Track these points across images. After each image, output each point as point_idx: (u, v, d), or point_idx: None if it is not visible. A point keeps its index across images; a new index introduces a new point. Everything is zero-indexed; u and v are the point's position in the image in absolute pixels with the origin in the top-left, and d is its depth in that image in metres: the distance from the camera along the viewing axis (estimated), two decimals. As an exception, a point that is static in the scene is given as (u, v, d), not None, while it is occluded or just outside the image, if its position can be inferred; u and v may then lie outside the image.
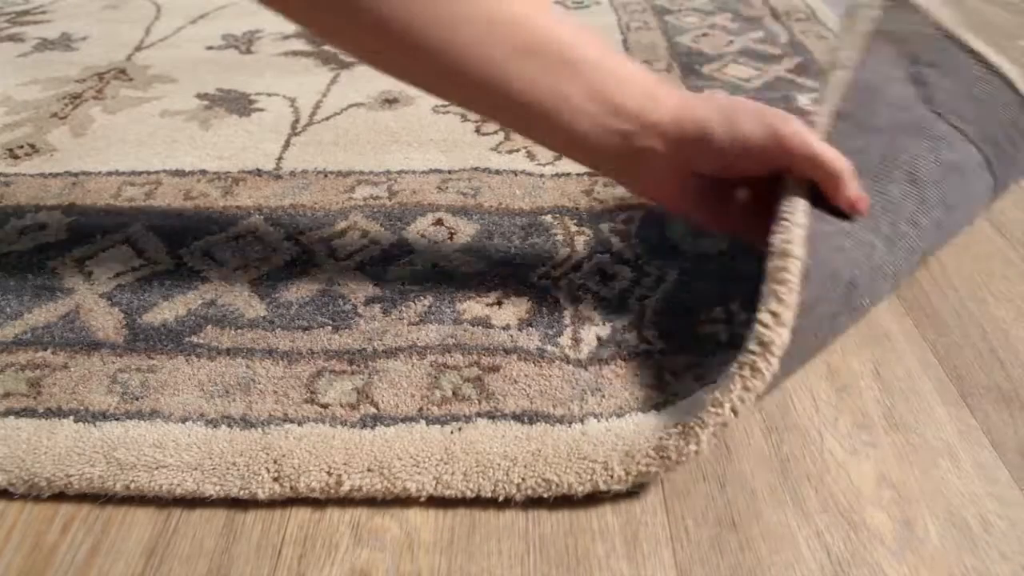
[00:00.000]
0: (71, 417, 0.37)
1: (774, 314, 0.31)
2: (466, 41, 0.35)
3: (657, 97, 0.37)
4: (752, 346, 0.31)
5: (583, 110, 0.37)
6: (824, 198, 0.36)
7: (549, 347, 0.41)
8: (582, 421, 0.36)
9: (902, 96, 0.40)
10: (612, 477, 0.33)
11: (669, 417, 0.35)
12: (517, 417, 0.37)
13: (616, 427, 0.36)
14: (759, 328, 0.31)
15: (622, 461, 0.33)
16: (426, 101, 0.69)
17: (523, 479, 0.34)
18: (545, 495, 0.33)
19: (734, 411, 0.31)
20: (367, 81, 0.74)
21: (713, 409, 0.32)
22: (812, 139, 0.35)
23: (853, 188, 0.35)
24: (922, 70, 0.42)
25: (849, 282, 0.34)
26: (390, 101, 0.70)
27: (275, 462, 0.35)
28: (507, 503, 0.34)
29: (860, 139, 0.38)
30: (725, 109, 0.36)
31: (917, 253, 0.37)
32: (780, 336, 0.31)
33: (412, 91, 0.68)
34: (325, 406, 0.38)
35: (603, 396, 0.38)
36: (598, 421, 0.36)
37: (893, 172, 0.37)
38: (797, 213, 0.34)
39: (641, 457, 0.33)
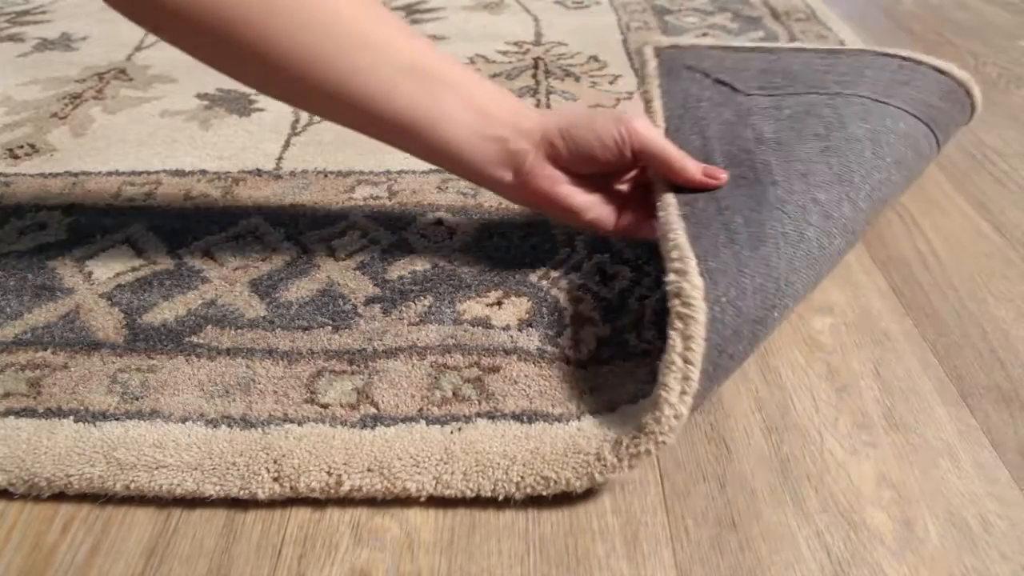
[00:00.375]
0: (71, 417, 0.37)
1: (677, 271, 0.35)
2: (354, 67, 0.38)
3: (522, 107, 0.43)
4: (672, 302, 0.34)
5: (462, 120, 0.40)
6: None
7: (549, 347, 0.41)
8: (579, 418, 0.36)
9: (715, 96, 0.48)
10: (606, 466, 0.33)
11: (649, 399, 0.35)
12: (516, 417, 0.37)
13: (609, 420, 0.36)
14: (669, 288, 0.34)
15: (613, 449, 0.33)
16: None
17: (522, 477, 0.34)
18: (544, 492, 0.33)
19: (687, 361, 0.32)
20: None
21: (667, 369, 0.32)
22: (655, 133, 0.41)
23: (691, 168, 0.41)
24: (719, 76, 0.50)
25: (749, 218, 0.38)
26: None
27: (275, 462, 0.35)
28: (507, 503, 0.34)
29: (698, 139, 0.45)
30: (581, 111, 0.43)
31: (822, 176, 0.41)
32: (691, 283, 0.34)
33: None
34: (325, 406, 0.38)
35: (600, 394, 0.38)
36: (593, 417, 0.37)
37: (745, 143, 0.44)
38: (668, 203, 0.40)
39: (629, 440, 0.33)
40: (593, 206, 0.44)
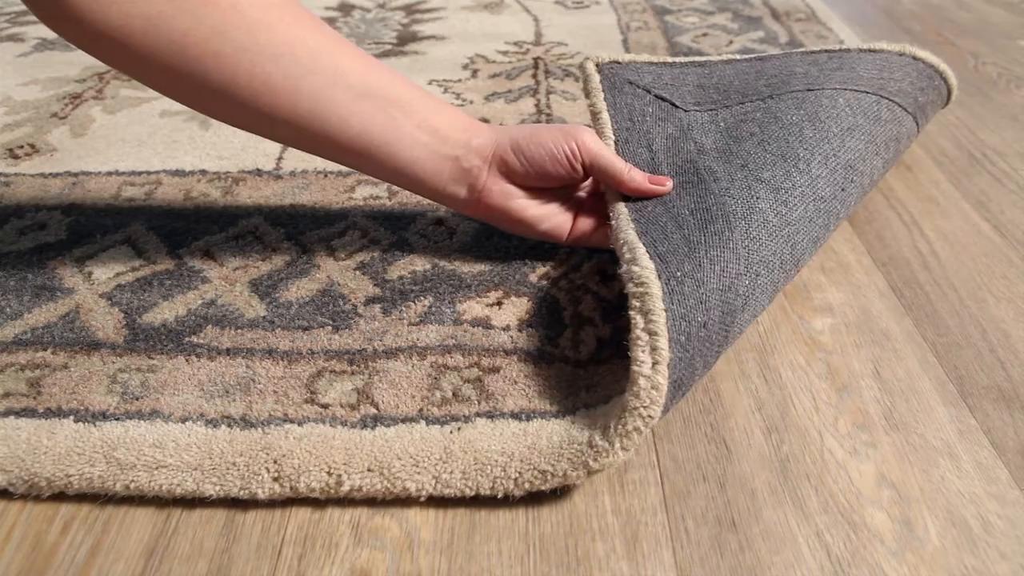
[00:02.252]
0: (71, 417, 0.37)
1: (628, 260, 0.37)
2: (304, 92, 0.39)
3: (473, 125, 0.44)
4: (628, 288, 0.36)
5: (417, 141, 0.42)
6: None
7: (549, 348, 0.41)
8: (574, 412, 0.37)
9: (657, 112, 0.52)
10: (598, 452, 0.33)
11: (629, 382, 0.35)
12: (515, 415, 0.37)
13: (601, 410, 0.36)
14: (623, 277, 0.37)
15: (602, 434, 0.33)
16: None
17: (520, 473, 0.34)
18: (543, 487, 0.33)
19: (652, 333, 0.33)
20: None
21: (635, 345, 0.33)
22: (602, 146, 0.44)
23: (638, 177, 0.43)
24: (660, 92, 0.53)
25: (695, 209, 0.41)
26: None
27: (275, 462, 0.35)
28: (507, 502, 0.34)
29: (646, 152, 0.47)
30: (532, 127, 0.44)
31: (762, 161, 0.44)
32: (640, 266, 0.36)
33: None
34: (325, 406, 0.38)
35: (597, 390, 0.38)
36: (587, 410, 0.37)
37: (688, 154, 0.47)
38: (620, 211, 0.43)
39: (615, 422, 0.33)
40: (547, 218, 0.45)
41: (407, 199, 0.55)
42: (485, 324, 0.43)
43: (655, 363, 0.33)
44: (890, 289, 0.47)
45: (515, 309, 0.44)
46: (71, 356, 0.41)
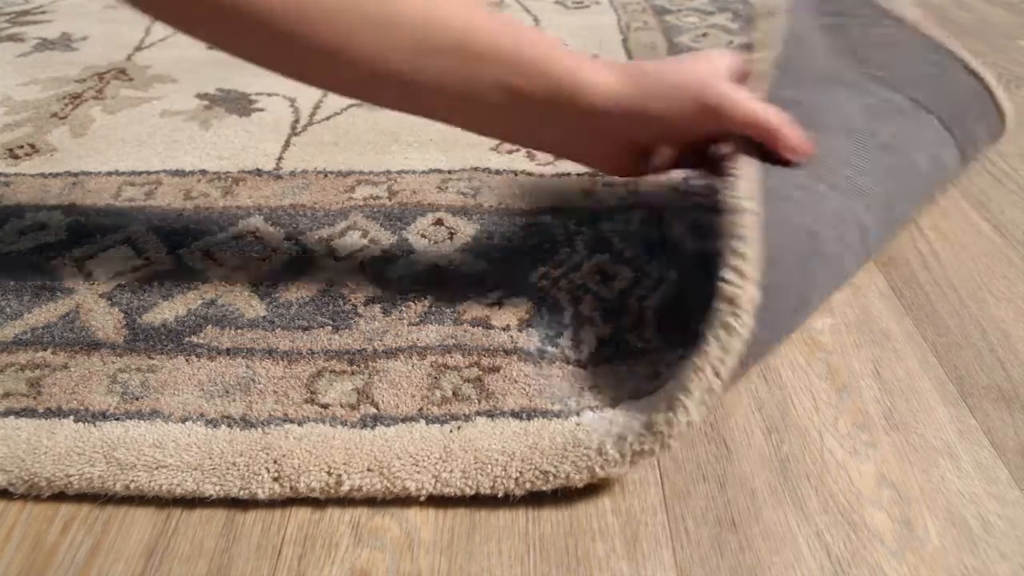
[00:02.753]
0: (71, 417, 0.37)
1: (736, 269, 0.31)
2: (370, 41, 0.36)
3: (591, 77, 0.38)
4: (721, 305, 0.31)
5: (497, 103, 0.38)
6: (765, 152, 0.37)
7: (549, 348, 0.41)
8: (578, 414, 0.36)
9: (821, 46, 0.42)
10: (607, 460, 0.33)
11: (659, 397, 0.35)
12: (516, 415, 0.37)
13: (611, 415, 0.36)
14: (724, 286, 0.31)
15: (616, 444, 0.33)
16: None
17: (521, 473, 0.34)
18: (544, 487, 0.33)
19: (717, 374, 0.31)
20: (367, 81, 0.74)
21: (695, 375, 0.31)
22: (743, 101, 0.36)
23: (793, 136, 0.37)
24: (840, 20, 0.43)
25: (809, 230, 0.35)
26: (390, 101, 0.70)
27: (275, 462, 0.35)
28: (508, 502, 0.34)
29: (792, 90, 0.39)
30: (657, 82, 0.37)
31: (873, 197, 0.38)
32: (746, 291, 0.31)
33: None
34: (325, 406, 0.38)
35: (599, 391, 0.38)
36: (593, 412, 0.36)
37: (826, 121, 0.39)
38: (744, 169, 0.35)
39: (634, 437, 0.32)
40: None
41: (407, 199, 0.55)
42: (485, 324, 0.43)
43: (702, 402, 0.31)
44: (890, 289, 0.47)
45: (515, 309, 0.44)
46: (71, 356, 0.41)
